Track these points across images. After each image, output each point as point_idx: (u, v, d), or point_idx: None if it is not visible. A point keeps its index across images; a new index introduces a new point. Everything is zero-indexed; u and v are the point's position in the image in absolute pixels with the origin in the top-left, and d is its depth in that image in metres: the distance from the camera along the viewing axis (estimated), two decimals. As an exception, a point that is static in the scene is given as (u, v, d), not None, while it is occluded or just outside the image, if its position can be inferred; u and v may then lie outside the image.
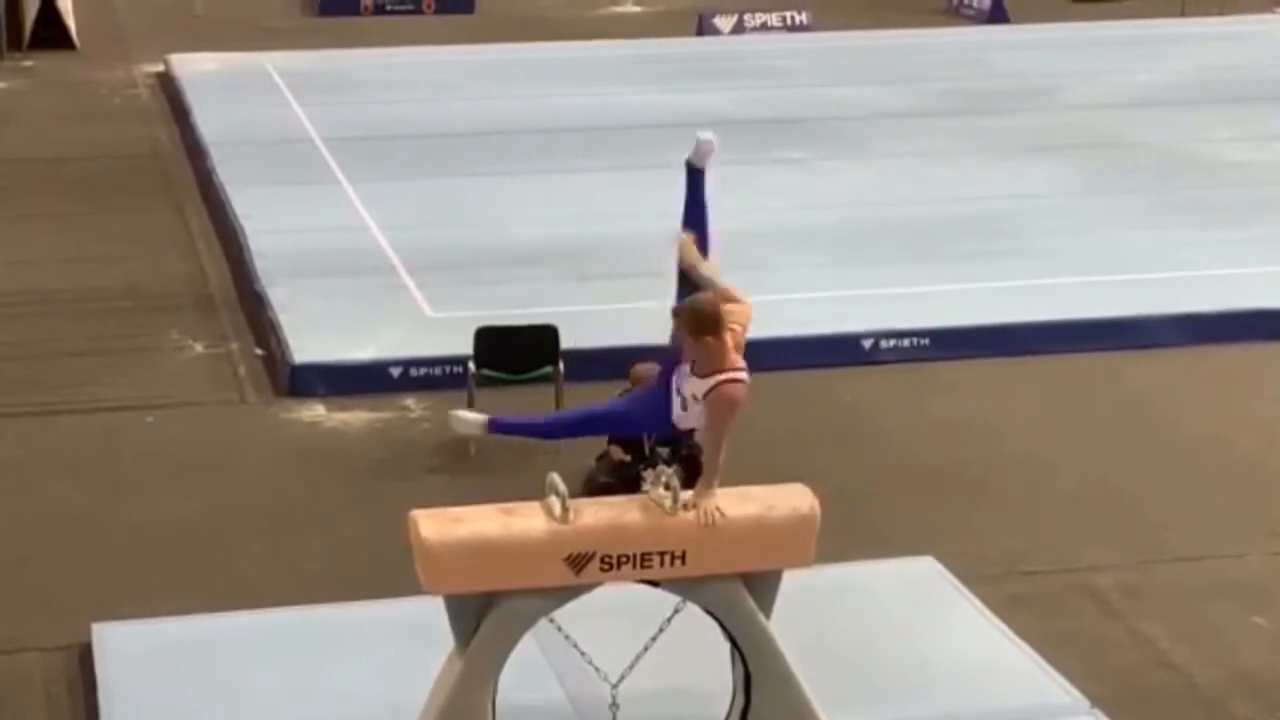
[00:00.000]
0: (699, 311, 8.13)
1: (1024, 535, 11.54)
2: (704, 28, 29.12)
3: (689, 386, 8.16)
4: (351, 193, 18.90)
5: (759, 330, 14.39)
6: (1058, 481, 12.40)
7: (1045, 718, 9.30)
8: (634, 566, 7.92)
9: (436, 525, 7.84)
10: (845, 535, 9.98)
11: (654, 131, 21.63)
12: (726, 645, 8.31)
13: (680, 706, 8.95)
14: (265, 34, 28.39)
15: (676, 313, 8.28)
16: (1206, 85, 24.40)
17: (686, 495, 8.03)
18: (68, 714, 9.42)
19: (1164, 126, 22.01)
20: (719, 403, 8.06)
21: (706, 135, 9.18)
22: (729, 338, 8.12)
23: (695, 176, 9.29)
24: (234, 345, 15.04)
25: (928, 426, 13.35)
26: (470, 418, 8.93)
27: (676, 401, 8.27)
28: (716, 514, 7.96)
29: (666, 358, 8.41)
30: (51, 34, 27.15)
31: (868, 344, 14.69)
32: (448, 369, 13.81)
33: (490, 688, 8.01)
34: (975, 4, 30.77)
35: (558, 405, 12.80)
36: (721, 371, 8.07)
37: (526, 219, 17.92)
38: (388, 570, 9.86)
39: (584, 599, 8.05)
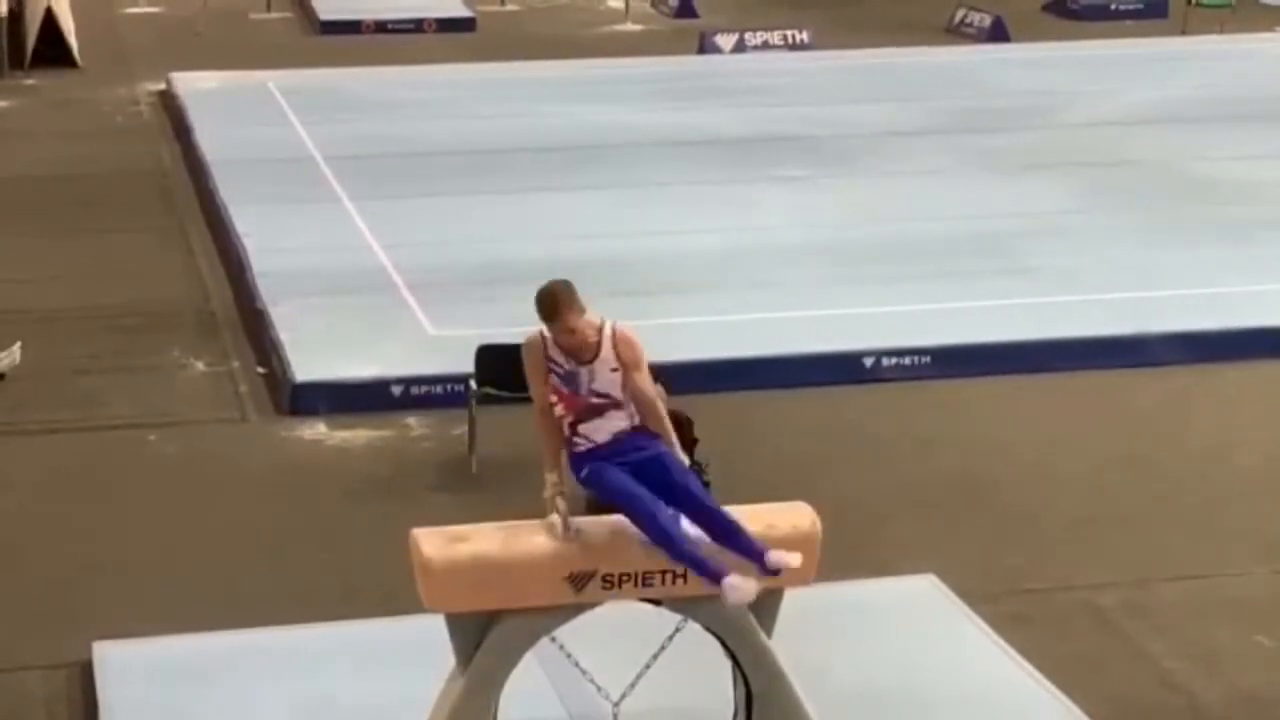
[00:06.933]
0: (542, 298, 7.90)
1: (1025, 553, 11.53)
2: (705, 46, 29.15)
3: (597, 376, 8.00)
4: (353, 211, 18.91)
5: (761, 348, 14.65)
6: (1059, 499, 12.39)
7: (1047, 736, 9.32)
8: (635, 585, 7.91)
9: (437, 544, 7.84)
10: (846, 553, 9.97)
11: (656, 150, 21.68)
12: (728, 664, 8.30)
13: (682, 725, 8.96)
14: (267, 52, 28.42)
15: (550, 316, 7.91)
16: (1207, 104, 24.41)
17: None
18: (69, 732, 9.45)
19: (1164, 145, 22.02)
20: (630, 342, 7.97)
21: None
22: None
23: None
24: (235, 363, 15.05)
25: (929, 444, 13.35)
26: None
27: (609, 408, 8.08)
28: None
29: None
30: (54, 52, 27.16)
31: (869, 362, 14.69)
32: (449, 387, 13.81)
33: (491, 706, 8.00)
34: (976, 23, 30.79)
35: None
36: (600, 330, 7.96)
37: (528, 237, 17.93)
38: (389, 589, 9.85)
39: (585, 617, 8.04)
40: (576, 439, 7.94)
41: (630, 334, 8.02)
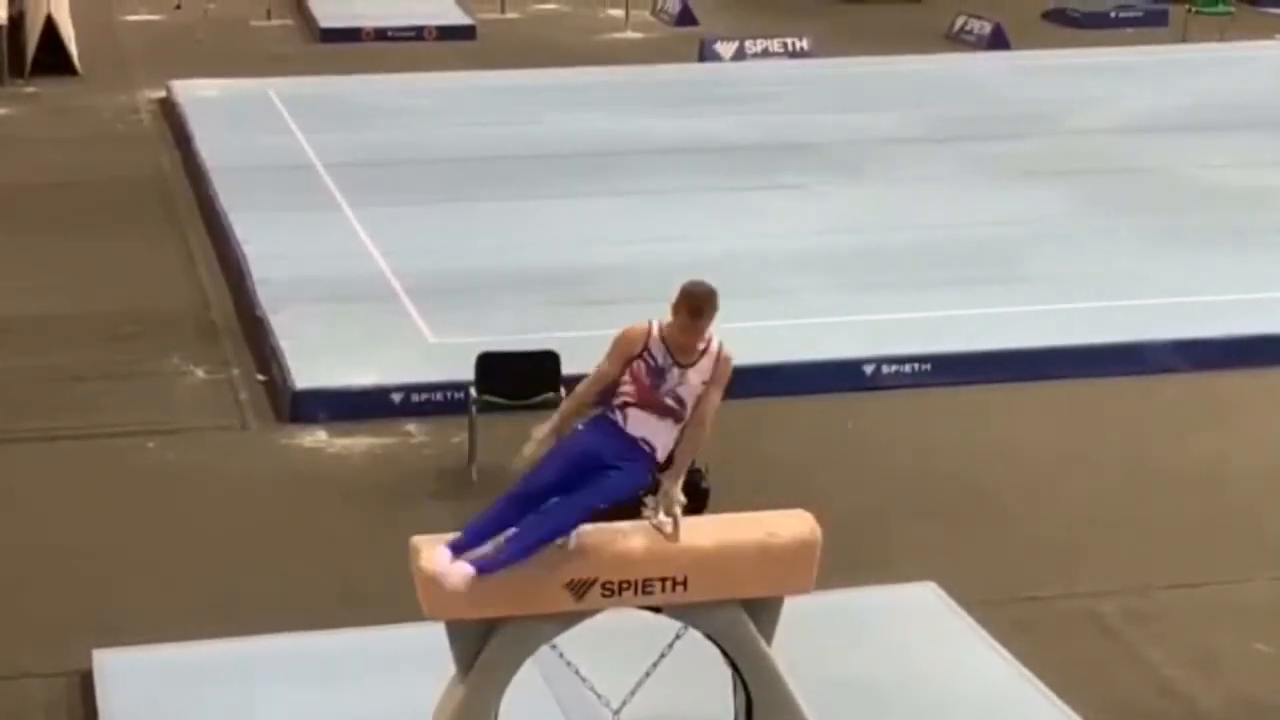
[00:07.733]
0: (701, 296, 7.99)
1: (1026, 561, 11.53)
2: (705, 54, 29.15)
3: (686, 383, 8.00)
4: (353, 218, 18.90)
5: (761, 356, 14.64)
6: (1060, 507, 12.39)
7: (1047, 744, 9.31)
8: (635, 592, 7.91)
9: (437, 551, 7.83)
10: (847, 560, 9.97)
11: (656, 157, 21.68)
12: (728, 671, 8.30)
13: (682, 732, 8.95)
14: (267, 60, 28.41)
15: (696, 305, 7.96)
16: (1207, 111, 24.41)
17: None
18: (68, 740, 9.44)
19: (1165, 152, 22.02)
20: (729, 364, 8.06)
21: None
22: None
23: None
24: (235, 371, 15.05)
25: (929, 452, 13.35)
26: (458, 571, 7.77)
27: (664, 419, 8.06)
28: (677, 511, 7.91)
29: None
30: (54, 60, 27.13)
31: (869, 369, 14.69)
32: (449, 395, 13.81)
33: (491, 714, 8.00)
34: (976, 30, 30.79)
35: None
36: (709, 343, 8.03)
37: (528, 244, 17.94)
38: (389, 596, 9.84)
39: (585, 624, 8.03)
40: (615, 413, 7.93)
41: (731, 358, 8.03)
